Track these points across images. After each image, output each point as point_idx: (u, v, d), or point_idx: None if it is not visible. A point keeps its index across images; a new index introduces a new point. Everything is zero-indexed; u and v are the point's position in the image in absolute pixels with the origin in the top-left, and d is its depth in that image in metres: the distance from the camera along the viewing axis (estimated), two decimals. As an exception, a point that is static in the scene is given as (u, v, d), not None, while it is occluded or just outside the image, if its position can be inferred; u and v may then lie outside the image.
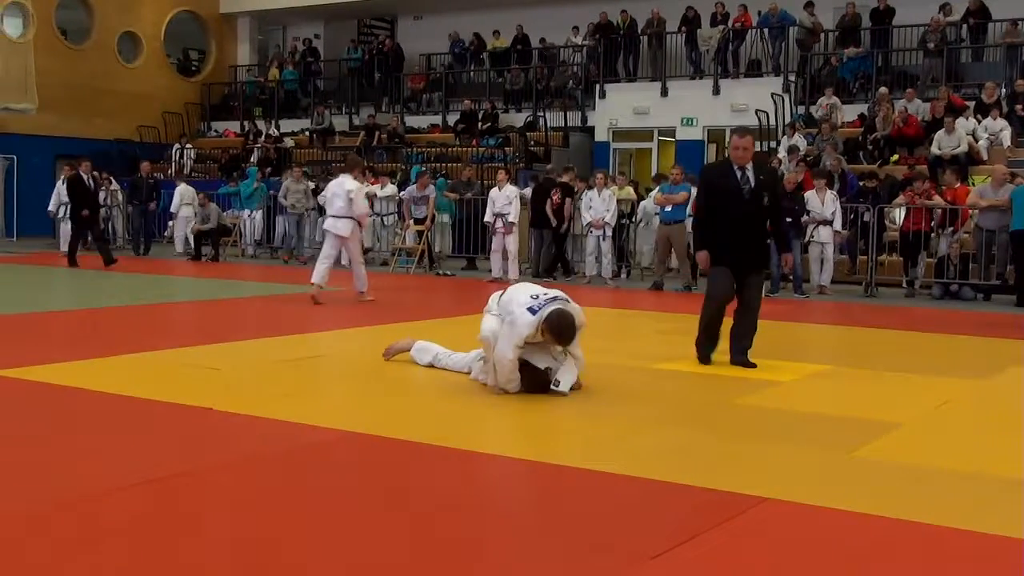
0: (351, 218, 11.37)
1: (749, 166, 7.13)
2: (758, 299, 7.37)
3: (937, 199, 14.15)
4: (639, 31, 22.05)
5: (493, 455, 4.80)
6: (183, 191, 19.71)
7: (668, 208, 14.22)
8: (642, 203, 16.41)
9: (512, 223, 14.93)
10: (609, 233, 15.03)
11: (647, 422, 5.57)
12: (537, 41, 23.80)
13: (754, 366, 7.17)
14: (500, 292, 6.51)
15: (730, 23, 20.85)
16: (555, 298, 6.09)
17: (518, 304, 6.04)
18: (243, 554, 3.39)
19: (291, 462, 4.59)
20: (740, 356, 7.24)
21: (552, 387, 6.08)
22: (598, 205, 15.02)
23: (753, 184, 7.11)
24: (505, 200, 15.10)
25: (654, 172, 20.80)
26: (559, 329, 5.96)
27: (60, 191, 18.85)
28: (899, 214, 14.35)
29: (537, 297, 6.08)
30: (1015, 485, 4.37)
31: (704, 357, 7.38)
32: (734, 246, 7.15)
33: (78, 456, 4.61)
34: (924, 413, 6.07)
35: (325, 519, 3.74)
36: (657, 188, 15.68)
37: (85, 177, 16.50)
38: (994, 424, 5.84)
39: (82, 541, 3.48)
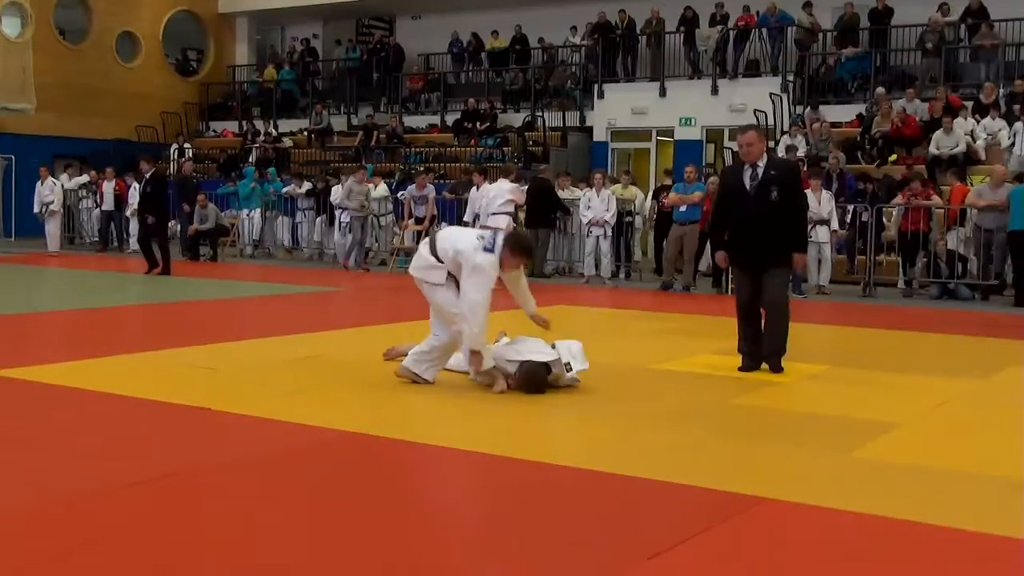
0: (508, 214, 13.43)
1: (761, 163, 6.99)
2: (780, 296, 7.11)
3: (935, 199, 14.16)
4: (638, 31, 22.04)
5: (492, 455, 4.79)
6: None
7: (683, 208, 14.14)
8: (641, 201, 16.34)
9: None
10: (609, 232, 15.01)
11: (645, 422, 5.56)
12: (535, 41, 23.79)
13: (780, 370, 7.00)
14: (425, 241, 6.51)
15: (730, 23, 20.83)
16: (496, 230, 6.39)
17: (468, 250, 6.03)
18: (241, 554, 3.38)
19: (290, 462, 4.58)
20: (768, 361, 7.08)
21: (566, 371, 6.14)
22: (597, 205, 15.01)
23: (760, 181, 6.93)
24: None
25: (652, 172, 20.84)
26: (523, 244, 6.33)
27: (40, 192, 18.78)
28: (897, 214, 14.37)
29: (483, 238, 6.16)
30: (1015, 485, 4.37)
31: (746, 367, 7.11)
32: (746, 244, 7.05)
33: (76, 456, 4.60)
34: (922, 413, 6.07)
35: (323, 519, 3.74)
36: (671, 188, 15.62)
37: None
38: (992, 424, 5.84)
39: (81, 541, 3.47)
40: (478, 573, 3.31)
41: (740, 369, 7.08)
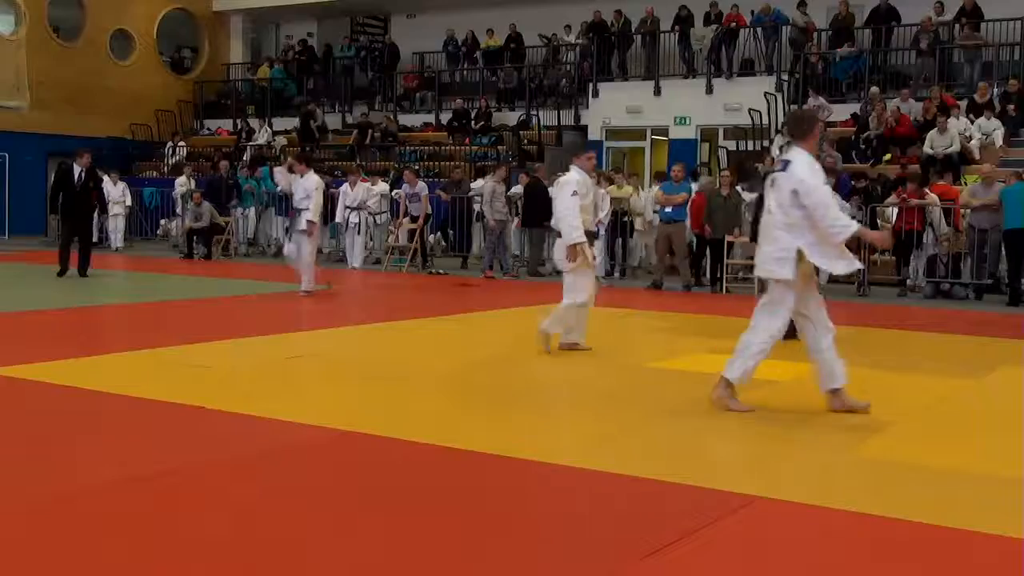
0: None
1: None
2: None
3: (931, 197, 14.18)
4: (632, 30, 22.03)
5: (487, 454, 4.79)
6: (116, 188, 20.07)
7: (668, 208, 14.12)
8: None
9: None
10: (603, 232, 14.98)
11: (640, 420, 5.56)
12: (530, 40, 23.78)
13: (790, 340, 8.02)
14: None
15: (723, 22, 20.83)
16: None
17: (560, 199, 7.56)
18: (237, 552, 3.37)
19: (284, 461, 4.58)
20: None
21: None
22: (591, 204, 14.97)
23: None
24: (353, 198, 15.11)
25: (647, 171, 20.84)
26: (577, 139, 7.22)
27: None
28: (891, 213, 14.40)
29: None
30: (1010, 484, 4.38)
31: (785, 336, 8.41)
32: None
33: (72, 454, 4.59)
34: (917, 412, 6.08)
35: (319, 518, 3.73)
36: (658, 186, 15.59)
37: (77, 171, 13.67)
38: (988, 423, 5.86)
39: (77, 539, 3.46)
40: (475, 571, 3.31)
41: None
